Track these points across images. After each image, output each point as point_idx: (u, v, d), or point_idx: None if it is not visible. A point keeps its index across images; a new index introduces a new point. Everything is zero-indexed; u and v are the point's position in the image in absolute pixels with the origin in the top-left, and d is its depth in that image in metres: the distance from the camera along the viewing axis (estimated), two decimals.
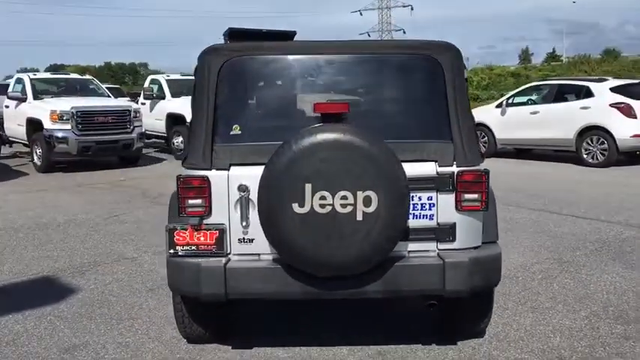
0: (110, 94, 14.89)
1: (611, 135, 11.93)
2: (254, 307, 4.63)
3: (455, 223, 3.46)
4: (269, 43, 3.64)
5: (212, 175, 3.44)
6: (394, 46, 3.62)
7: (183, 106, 14.54)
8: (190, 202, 3.43)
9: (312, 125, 3.32)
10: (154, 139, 16.58)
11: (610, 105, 12.04)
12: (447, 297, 3.47)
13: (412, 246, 3.46)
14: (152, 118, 15.45)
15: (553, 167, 12.64)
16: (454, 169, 3.44)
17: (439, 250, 3.48)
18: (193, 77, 3.71)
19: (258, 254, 3.49)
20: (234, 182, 3.43)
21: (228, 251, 3.48)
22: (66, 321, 4.53)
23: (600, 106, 12.13)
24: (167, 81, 15.75)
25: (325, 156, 3.14)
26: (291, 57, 3.62)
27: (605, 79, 13.24)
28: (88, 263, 6.04)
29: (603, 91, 12.31)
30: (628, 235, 6.75)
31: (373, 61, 3.61)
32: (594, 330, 4.20)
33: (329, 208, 3.16)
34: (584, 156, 12.37)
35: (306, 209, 3.16)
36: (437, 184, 3.43)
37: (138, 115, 13.53)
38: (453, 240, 3.47)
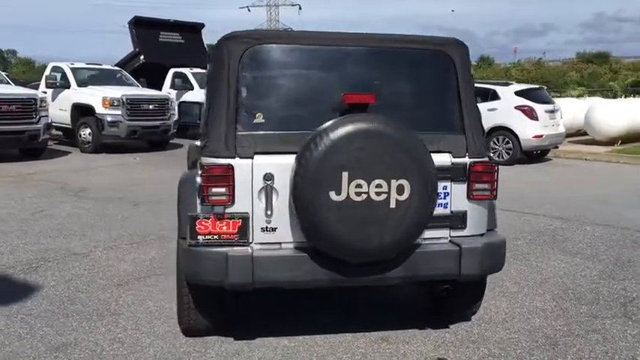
0: (10, 82, 13.86)
1: (516, 135, 12.84)
2: (252, 296, 4.58)
3: (466, 212, 3.65)
4: (290, 32, 3.64)
5: (236, 163, 3.39)
6: (410, 41, 3.73)
7: (91, 96, 13.90)
8: (214, 190, 3.36)
9: (340, 115, 3.38)
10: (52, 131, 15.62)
11: (515, 107, 12.95)
12: (461, 281, 3.66)
13: (428, 233, 3.61)
14: (54, 108, 14.52)
15: None
16: (467, 159, 3.63)
17: (451, 237, 3.66)
18: (208, 65, 3.62)
19: (280, 243, 3.48)
20: (259, 171, 3.40)
21: (251, 240, 3.45)
22: (41, 319, 4.24)
23: (506, 108, 12.99)
24: (72, 69, 14.89)
25: (362, 145, 3.21)
26: (311, 47, 3.63)
27: (510, 83, 14.20)
28: (36, 259, 5.66)
29: (509, 95, 13.20)
30: (556, 226, 7.35)
31: (392, 53, 3.69)
32: (564, 310, 4.57)
33: (364, 196, 3.23)
34: (491, 154, 13.20)
35: (342, 197, 3.21)
36: (452, 174, 3.60)
37: (44, 104, 12.72)
38: (464, 227, 3.66)
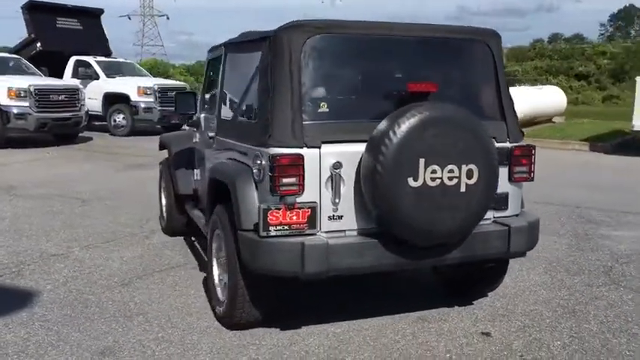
0: None
1: None
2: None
3: (508, 193, 3.89)
4: (350, 21, 3.64)
5: (305, 152, 3.38)
6: (458, 31, 3.87)
7: None
8: (285, 180, 3.34)
9: (401, 103, 3.46)
10: None
11: None
12: (508, 258, 3.89)
13: None
14: None
15: None
16: (508, 144, 3.86)
17: (494, 217, 3.88)
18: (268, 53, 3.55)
19: (344, 230, 3.53)
20: (327, 160, 3.42)
21: (319, 229, 3.46)
22: (63, 325, 3.97)
23: None
24: None
25: (437, 132, 3.33)
26: (371, 36, 3.67)
27: None
28: (14, 263, 5.25)
29: None
30: None
31: (445, 44, 3.82)
32: (560, 282, 4.97)
33: (438, 181, 3.35)
34: None
35: (419, 183, 3.31)
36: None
37: None
38: (506, 208, 3.90)
